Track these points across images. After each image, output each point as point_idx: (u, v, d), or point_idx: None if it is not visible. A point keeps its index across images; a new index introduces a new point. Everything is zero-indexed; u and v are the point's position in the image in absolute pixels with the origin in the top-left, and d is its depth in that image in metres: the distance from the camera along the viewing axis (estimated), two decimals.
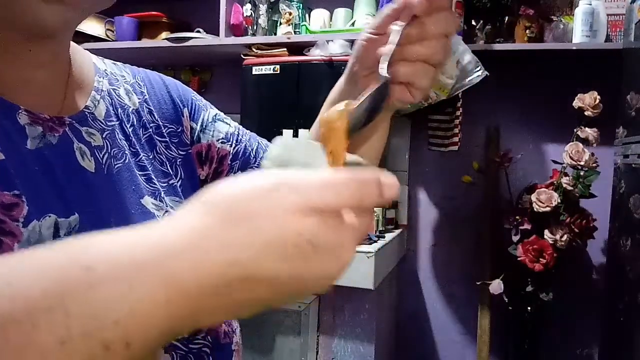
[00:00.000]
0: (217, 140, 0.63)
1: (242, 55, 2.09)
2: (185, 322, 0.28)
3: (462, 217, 2.20)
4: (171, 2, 2.37)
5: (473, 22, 1.95)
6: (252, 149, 0.66)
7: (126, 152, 0.53)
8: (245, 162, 0.65)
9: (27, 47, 0.45)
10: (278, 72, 1.98)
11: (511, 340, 2.01)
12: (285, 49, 2.04)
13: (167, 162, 0.57)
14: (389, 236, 1.89)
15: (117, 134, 0.53)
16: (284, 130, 1.96)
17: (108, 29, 2.33)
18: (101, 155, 0.50)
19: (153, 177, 0.54)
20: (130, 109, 0.56)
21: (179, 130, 0.60)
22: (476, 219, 2.14)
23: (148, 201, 0.52)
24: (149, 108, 0.58)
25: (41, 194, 0.44)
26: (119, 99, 0.55)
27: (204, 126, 0.63)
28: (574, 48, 1.80)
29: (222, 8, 2.09)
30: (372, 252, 1.59)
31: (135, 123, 0.56)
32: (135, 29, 2.30)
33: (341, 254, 0.31)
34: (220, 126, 0.64)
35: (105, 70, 0.57)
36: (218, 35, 2.11)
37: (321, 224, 0.30)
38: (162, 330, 0.27)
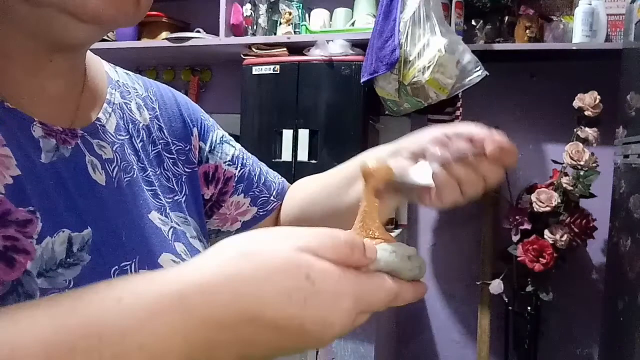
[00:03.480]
0: (224, 162, 0.65)
1: (242, 55, 2.09)
2: (202, 354, 0.31)
3: (462, 217, 2.20)
4: (171, 2, 2.37)
5: (473, 22, 1.95)
6: (255, 174, 0.68)
7: (134, 166, 0.53)
8: (249, 185, 0.67)
9: (49, 57, 0.45)
10: (278, 72, 1.98)
11: (511, 340, 2.01)
12: (285, 49, 2.04)
13: (174, 178, 0.58)
14: None
15: (127, 148, 0.53)
16: (283, 130, 1.96)
17: None
18: (111, 169, 0.50)
19: (159, 192, 0.55)
20: (141, 125, 0.56)
21: (187, 148, 0.61)
22: (476, 219, 2.14)
23: (155, 216, 0.52)
24: (159, 124, 0.59)
25: (55, 208, 0.43)
26: (130, 114, 0.56)
27: (212, 147, 0.64)
28: (574, 48, 1.80)
29: (222, 8, 2.09)
30: None
31: (145, 139, 0.56)
32: (135, 29, 2.30)
33: (341, 301, 0.32)
34: (227, 148, 0.66)
35: (118, 81, 0.57)
36: (218, 35, 2.11)
37: (320, 264, 0.32)
38: (181, 357, 0.30)
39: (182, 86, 2.50)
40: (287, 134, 1.95)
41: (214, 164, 0.64)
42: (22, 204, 0.41)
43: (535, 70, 2.06)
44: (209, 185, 0.64)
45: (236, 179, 0.66)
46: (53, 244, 0.42)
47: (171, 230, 0.54)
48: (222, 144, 0.66)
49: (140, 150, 0.55)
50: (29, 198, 0.42)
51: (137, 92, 0.59)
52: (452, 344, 2.24)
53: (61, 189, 0.45)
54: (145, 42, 2.27)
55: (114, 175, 0.50)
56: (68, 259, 0.43)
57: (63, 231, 0.43)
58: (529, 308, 1.89)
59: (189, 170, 0.60)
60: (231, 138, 0.69)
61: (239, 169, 0.66)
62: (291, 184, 0.73)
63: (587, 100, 1.73)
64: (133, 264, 0.47)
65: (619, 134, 1.61)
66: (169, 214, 0.54)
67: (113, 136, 0.52)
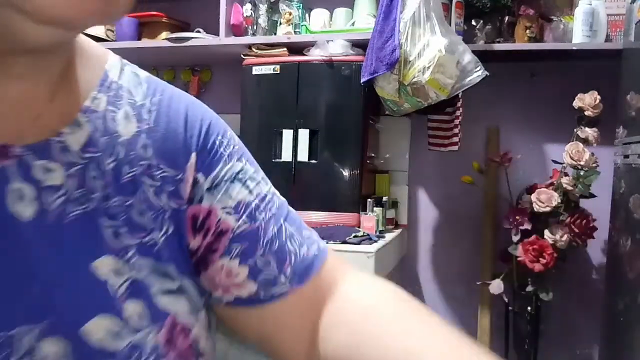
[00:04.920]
0: (222, 208, 0.47)
1: (242, 55, 2.09)
2: None
3: (462, 217, 2.20)
4: (171, 2, 2.37)
5: (473, 22, 1.95)
6: (266, 236, 0.48)
7: (94, 195, 0.41)
8: (250, 249, 0.48)
9: (5, 58, 0.37)
10: (278, 72, 1.98)
11: (511, 340, 2.01)
12: (285, 49, 2.04)
13: (151, 212, 0.44)
14: (389, 236, 1.89)
15: (91, 170, 0.42)
16: (283, 130, 1.96)
17: (108, 29, 2.33)
18: (53, 198, 0.39)
19: (125, 229, 0.42)
20: (120, 139, 0.44)
21: (178, 177, 0.46)
22: (476, 219, 2.14)
23: (104, 263, 0.41)
24: (144, 141, 0.45)
25: None
26: (113, 124, 0.44)
27: (213, 184, 0.47)
28: (574, 48, 1.80)
29: (222, 8, 2.09)
30: (372, 252, 1.58)
31: (120, 157, 0.43)
32: (135, 29, 2.30)
33: None
34: (236, 190, 0.48)
35: (114, 82, 0.47)
36: (218, 35, 2.11)
37: None
38: None
39: (182, 86, 2.50)
40: (287, 134, 1.95)
41: (208, 206, 0.47)
42: None
43: (535, 70, 2.06)
44: (195, 234, 0.47)
45: (232, 235, 0.47)
46: None
47: (127, 283, 0.41)
48: (233, 182, 0.48)
49: (110, 172, 0.43)
50: None
51: (134, 97, 0.47)
52: None
53: None
54: (145, 42, 2.27)
55: (55, 207, 0.39)
56: None
57: None
58: (529, 308, 1.89)
59: (175, 207, 0.45)
60: (255, 178, 0.50)
61: (241, 221, 0.47)
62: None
63: (587, 100, 1.73)
64: (31, 332, 0.36)
65: (619, 134, 1.61)
66: (131, 258, 0.42)
67: (75, 154, 0.41)
